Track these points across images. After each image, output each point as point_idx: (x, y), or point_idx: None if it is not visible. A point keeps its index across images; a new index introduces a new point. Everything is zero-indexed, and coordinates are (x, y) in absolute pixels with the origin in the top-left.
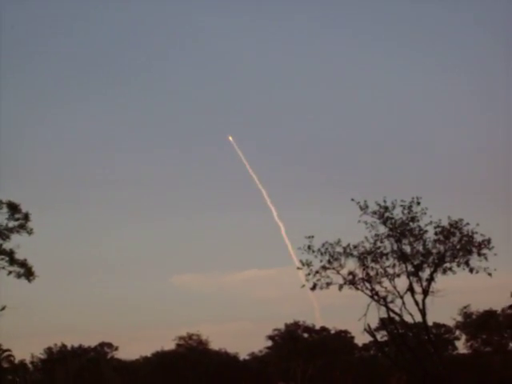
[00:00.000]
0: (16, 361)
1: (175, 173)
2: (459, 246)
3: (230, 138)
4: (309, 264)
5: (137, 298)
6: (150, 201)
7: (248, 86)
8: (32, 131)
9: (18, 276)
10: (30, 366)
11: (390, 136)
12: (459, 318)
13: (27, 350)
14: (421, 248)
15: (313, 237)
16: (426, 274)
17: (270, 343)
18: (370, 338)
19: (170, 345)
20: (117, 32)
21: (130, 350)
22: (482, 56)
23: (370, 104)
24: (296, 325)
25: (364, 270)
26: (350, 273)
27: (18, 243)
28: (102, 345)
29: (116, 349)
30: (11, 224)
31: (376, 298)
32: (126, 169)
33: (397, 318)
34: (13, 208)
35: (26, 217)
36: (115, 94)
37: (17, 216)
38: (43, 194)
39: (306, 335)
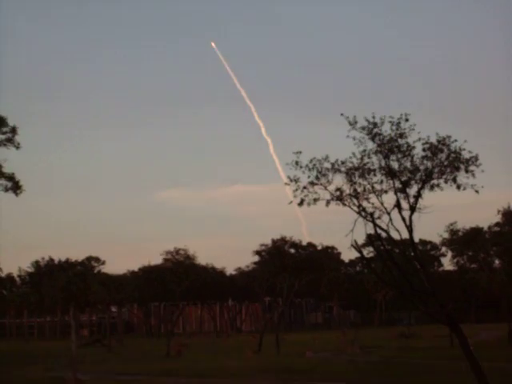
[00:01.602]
0: (3, 274)
1: (159, 84)
2: (447, 162)
3: (213, 45)
4: (296, 180)
5: (123, 212)
6: (137, 114)
7: None
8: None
9: (6, 189)
10: (17, 279)
11: (380, 52)
12: (446, 235)
13: (14, 263)
14: (408, 164)
15: (300, 152)
16: (413, 190)
17: (256, 258)
18: (357, 254)
19: (157, 259)
20: None
21: (117, 265)
22: None
23: (359, 18)
24: (283, 240)
25: (351, 185)
26: (338, 189)
27: (5, 157)
28: (89, 259)
29: (103, 263)
30: None
31: (363, 214)
32: (112, 79)
33: (384, 235)
34: (0, 121)
35: (14, 130)
36: None
37: (4, 130)
38: (32, 108)
39: (292, 251)
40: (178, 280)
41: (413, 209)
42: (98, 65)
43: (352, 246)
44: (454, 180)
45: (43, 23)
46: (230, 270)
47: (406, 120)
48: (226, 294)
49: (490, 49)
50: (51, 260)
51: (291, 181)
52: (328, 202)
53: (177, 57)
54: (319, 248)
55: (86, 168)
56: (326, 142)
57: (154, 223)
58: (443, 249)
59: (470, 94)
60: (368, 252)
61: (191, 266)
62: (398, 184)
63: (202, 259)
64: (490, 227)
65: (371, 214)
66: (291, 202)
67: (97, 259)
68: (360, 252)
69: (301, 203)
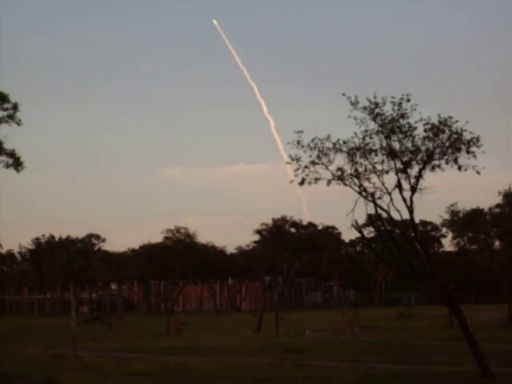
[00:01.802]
0: (3, 251)
1: (161, 63)
2: (448, 143)
3: (215, 22)
4: (298, 159)
5: (125, 190)
6: (138, 93)
7: None
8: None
9: (7, 166)
10: (17, 256)
11: (382, 31)
12: (446, 216)
13: (15, 240)
14: (410, 145)
15: (302, 131)
16: (414, 170)
17: (257, 237)
18: (357, 234)
19: (157, 237)
20: None
21: (117, 242)
22: None
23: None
24: (283, 220)
25: (353, 165)
26: (339, 168)
27: (6, 134)
28: (90, 236)
29: (103, 240)
30: None
31: (364, 194)
32: (103, 56)
33: (384, 215)
34: (1, 98)
35: (15, 107)
36: None
37: (5, 106)
38: (34, 86)
39: (293, 230)
40: (179, 258)
41: (414, 189)
42: (92, 39)
43: (352, 225)
44: (455, 161)
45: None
46: (230, 249)
47: (408, 100)
48: (226, 273)
49: (493, 25)
50: (52, 237)
51: (292, 160)
52: (329, 182)
53: (178, 34)
54: (320, 228)
55: (87, 144)
56: (328, 122)
57: (155, 201)
58: (443, 230)
59: (472, 75)
60: (368, 232)
61: (191, 244)
62: (399, 164)
63: (203, 238)
64: (490, 208)
65: (372, 194)
66: (292, 181)
67: (97, 237)
68: (360, 232)
69: (302, 182)
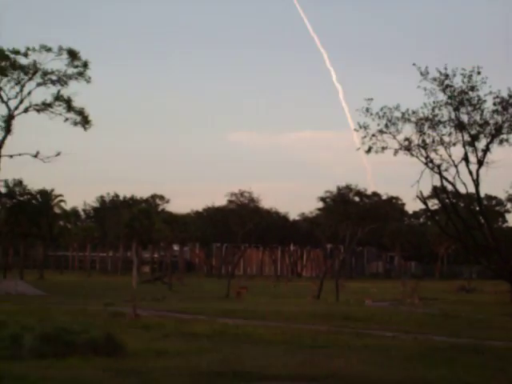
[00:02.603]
0: (68, 207)
1: (232, 27)
2: None
3: None
4: (366, 127)
5: (191, 152)
6: (210, 57)
7: None
8: None
9: (75, 124)
10: (81, 213)
11: (456, 4)
12: None
13: (80, 197)
14: (478, 118)
15: (372, 99)
16: (482, 144)
17: (320, 205)
18: (421, 206)
19: (221, 200)
20: None
21: (181, 204)
22: None
23: None
24: (348, 188)
25: (420, 136)
26: (407, 139)
27: (75, 91)
28: (154, 196)
29: (167, 201)
30: (70, 71)
31: (430, 165)
32: (178, 20)
33: (449, 187)
34: (73, 55)
35: (85, 65)
36: None
37: (76, 63)
38: (106, 45)
39: (357, 199)
40: (241, 222)
41: (480, 163)
42: (168, 5)
43: (417, 197)
44: None
45: None
46: (293, 216)
47: (478, 73)
48: (288, 239)
49: None
50: (116, 196)
51: (360, 127)
52: (396, 152)
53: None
54: (384, 198)
55: (156, 105)
56: (397, 92)
57: (220, 164)
58: (508, 205)
59: None
60: (432, 204)
61: (255, 208)
62: (466, 137)
63: (266, 203)
64: None
65: (438, 166)
66: (359, 148)
67: (161, 197)
68: (425, 203)
69: (369, 150)
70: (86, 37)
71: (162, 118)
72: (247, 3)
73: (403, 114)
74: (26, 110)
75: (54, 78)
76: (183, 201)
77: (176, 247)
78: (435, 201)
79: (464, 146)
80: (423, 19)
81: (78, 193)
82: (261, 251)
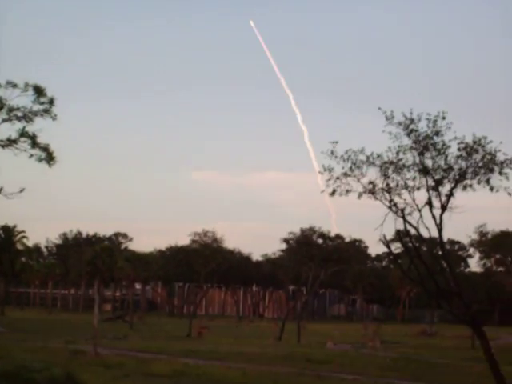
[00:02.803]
0: (31, 244)
1: (197, 69)
2: (481, 163)
3: (251, 23)
4: (330, 170)
5: (155, 190)
6: (173, 97)
7: None
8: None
9: (40, 160)
10: (44, 250)
11: (420, 49)
12: (474, 236)
13: (43, 234)
14: (443, 163)
15: (337, 142)
16: (445, 189)
17: (283, 246)
18: (384, 249)
19: (184, 240)
20: None
21: (144, 242)
22: None
23: (401, 12)
24: (311, 230)
25: (385, 180)
26: (371, 182)
27: (41, 127)
28: (117, 235)
29: (130, 239)
30: (36, 107)
31: (394, 209)
32: (150, 57)
33: (413, 231)
34: (38, 91)
35: (51, 102)
36: None
37: (42, 100)
38: (72, 82)
39: (320, 241)
40: (204, 262)
41: (444, 207)
42: (135, 36)
43: (380, 240)
44: (488, 181)
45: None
46: (256, 256)
47: (443, 118)
48: (251, 280)
49: None
50: (79, 233)
51: (325, 170)
52: (360, 195)
53: (215, 35)
54: (347, 240)
55: (119, 144)
56: (362, 134)
57: (184, 203)
58: (471, 250)
59: (509, 95)
60: (396, 248)
61: (218, 248)
62: (431, 182)
63: (230, 243)
64: None
65: (402, 210)
66: (323, 191)
67: (124, 235)
68: (388, 247)
69: (333, 193)
70: (53, 73)
71: (126, 156)
72: (214, 43)
73: (368, 157)
74: None
75: (19, 114)
76: (146, 239)
77: (138, 286)
78: (398, 244)
79: (428, 191)
80: (388, 62)
81: (41, 229)
82: (223, 291)
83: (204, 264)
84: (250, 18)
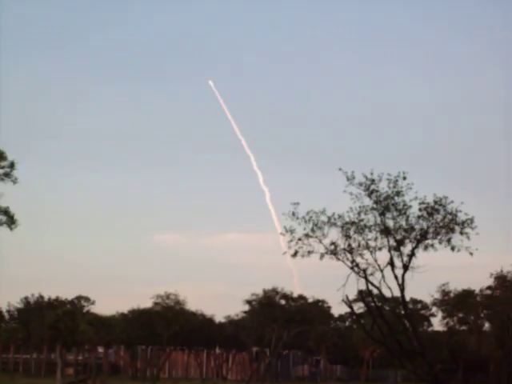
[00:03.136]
0: None
1: (160, 127)
2: (442, 223)
3: (211, 83)
4: (292, 231)
5: (116, 254)
6: (136, 155)
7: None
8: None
9: (0, 224)
10: (5, 314)
11: (381, 110)
12: (437, 295)
13: (4, 298)
14: (404, 223)
15: (298, 203)
16: (407, 249)
17: (246, 308)
18: (347, 309)
19: (147, 302)
20: None
21: (106, 305)
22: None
23: (359, 73)
24: (274, 291)
25: (346, 240)
26: (333, 243)
27: (1, 191)
28: (79, 298)
29: (93, 303)
30: None
31: (356, 269)
32: (104, 120)
33: (375, 291)
34: None
35: (12, 165)
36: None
37: (2, 164)
38: (31, 145)
39: (283, 302)
40: (167, 324)
41: (406, 267)
42: (96, 104)
43: (343, 300)
44: (449, 241)
45: (44, 58)
46: (219, 318)
47: (404, 178)
48: (214, 342)
49: (489, 108)
50: (41, 297)
51: (286, 231)
52: (322, 256)
53: (175, 97)
54: (310, 301)
55: (81, 207)
56: (324, 195)
57: (146, 266)
58: (434, 309)
59: (469, 157)
60: (358, 307)
61: (181, 311)
62: (392, 242)
63: (192, 305)
64: (481, 290)
65: (364, 270)
66: (285, 252)
67: (86, 299)
68: (350, 307)
69: (295, 254)
70: (14, 136)
71: (87, 219)
72: (172, 104)
73: (329, 218)
74: None
75: None
76: (109, 302)
77: (101, 349)
78: (361, 304)
79: (390, 251)
80: (348, 123)
81: (2, 294)
82: (186, 354)
83: (167, 326)
84: (209, 77)
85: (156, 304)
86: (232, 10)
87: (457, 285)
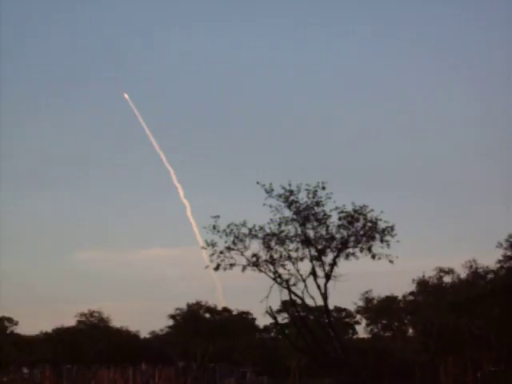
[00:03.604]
0: None
1: (76, 142)
2: (362, 231)
3: (126, 96)
4: (213, 244)
5: (38, 272)
6: (55, 173)
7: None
8: None
9: None
10: None
11: (298, 120)
12: (360, 303)
13: None
14: (324, 233)
15: (219, 216)
16: (328, 258)
17: (171, 322)
18: (272, 320)
19: (70, 321)
20: None
21: (30, 325)
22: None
23: (279, 84)
24: (198, 305)
25: (268, 252)
26: (254, 255)
27: None
28: (2, 319)
29: (16, 323)
30: None
31: (279, 280)
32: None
33: (298, 301)
34: None
35: None
36: None
37: None
38: None
39: (207, 315)
40: (92, 342)
41: (328, 277)
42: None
43: (267, 312)
44: (370, 249)
45: None
46: (144, 334)
47: (323, 188)
48: (140, 358)
49: (407, 113)
50: None
51: (208, 245)
52: (244, 268)
53: (91, 110)
54: (234, 313)
55: (1, 227)
56: (244, 207)
57: (69, 284)
58: (358, 316)
59: (390, 165)
60: (283, 318)
61: (105, 328)
62: (313, 252)
63: (117, 322)
64: (404, 296)
65: (287, 281)
66: (207, 266)
67: (9, 319)
68: (274, 318)
69: (217, 268)
70: None
71: (8, 238)
72: (87, 115)
73: (250, 230)
74: None
75: None
76: (32, 322)
77: (26, 370)
78: (285, 315)
79: (311, 261)
80: (266, 135)
81: None
82: (112, 371)
83: (92, 344)
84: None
85: (80, 322)
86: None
87: (380, 291)
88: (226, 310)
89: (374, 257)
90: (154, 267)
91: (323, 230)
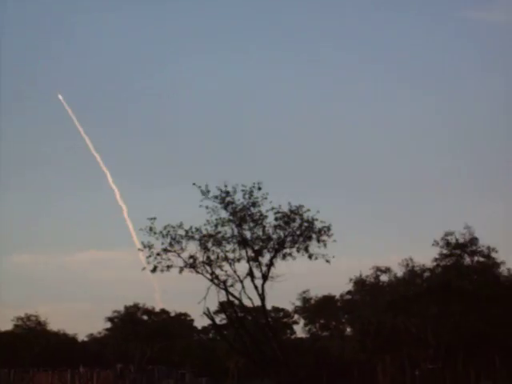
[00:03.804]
0: None
1: (13, 143)
2: (299, 232)
3: (60, 97)
4: (150, 246)
5: None
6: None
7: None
8: None
9: None
10: None
11: (234, 120)
12: (298, 303)
13: None
14: (261, 233)
15: (155, 218)
16: (265, 259)
17: (109, 325)
18: (210, 322)
19: (7, 325)
20: None
21: None
22: None
23: (213, 82)
24: (136, 307)
25: (205, 253)
26: (191, 256)
27: None
28: None
29: None
30: None
31: (216, 281)
32: None
33: (236, 302)
34: None
35: None
36: None
37: None
38: None
39: (145, 317)
40: (29, 346)
41: (265, 277)
42: None
43: (204, 313)
44: (306, 249)
45: None
46: (82, 337)
47: (259, 189)
48: (78, 361)
49: (337, 109)
50: None
51: (145, 247)
52: (181, 269)
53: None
54: (172, 315)
55: None
56: (181, 209)
57: (5, 288)
58: (296, 316)
59: (326, 164)
60: (221, 319)
61: (42, 332)
62: (250, 253)
63: (54, 325)
64: (341, 295)
65: (224, 282)
66: (144, 268)
67: None
68: (212, 319)
69: (154, 270)
70: None
71: None
72: (22, 119)
73: (187, 231)
74: None
75: None
76: None
77: None
78: (223, 316)
79: (248, 262)
80: (203, 136)
81: None
82: (50, 374)
83: (29, 348)
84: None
85: (17, 326)
86: None
87: (317, 291)
88: (163, 311)
89: (310, 257)
90: (90, 270)
91: (260, 231)
